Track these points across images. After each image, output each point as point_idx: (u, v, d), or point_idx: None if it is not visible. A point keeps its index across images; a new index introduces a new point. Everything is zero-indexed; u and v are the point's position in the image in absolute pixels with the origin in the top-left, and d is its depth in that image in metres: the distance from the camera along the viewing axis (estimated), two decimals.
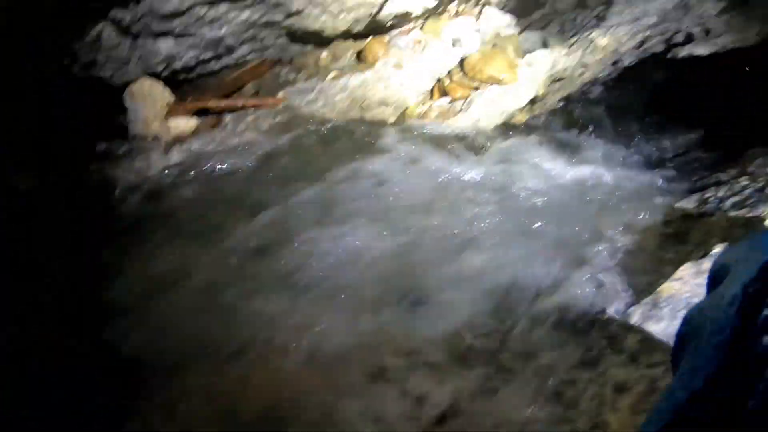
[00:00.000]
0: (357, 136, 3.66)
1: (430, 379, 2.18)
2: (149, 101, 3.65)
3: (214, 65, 3.97)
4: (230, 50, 3.86)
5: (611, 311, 2.47)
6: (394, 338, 2.36)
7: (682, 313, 2.18)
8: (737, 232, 2.80)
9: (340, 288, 2.56)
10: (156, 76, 3.75)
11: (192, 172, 3.32)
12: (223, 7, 3.45)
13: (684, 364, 0.49)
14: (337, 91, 3.82)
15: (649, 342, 2.24)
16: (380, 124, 3.85)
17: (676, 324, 2.27)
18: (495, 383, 2.15)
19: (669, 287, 2.46)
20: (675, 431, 0.43)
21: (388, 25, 4.08)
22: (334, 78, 3.92)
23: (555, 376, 2.14)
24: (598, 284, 2.68)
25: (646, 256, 2.96)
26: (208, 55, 3.81)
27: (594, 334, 2.35)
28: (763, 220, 2.80)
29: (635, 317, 2.37)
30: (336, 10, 3.78)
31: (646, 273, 2.71)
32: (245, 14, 3.57)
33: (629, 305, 2.47)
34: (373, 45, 4.02)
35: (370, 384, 2.17)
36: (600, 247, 2.90)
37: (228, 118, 3.78)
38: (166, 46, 3.58)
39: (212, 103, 3.77)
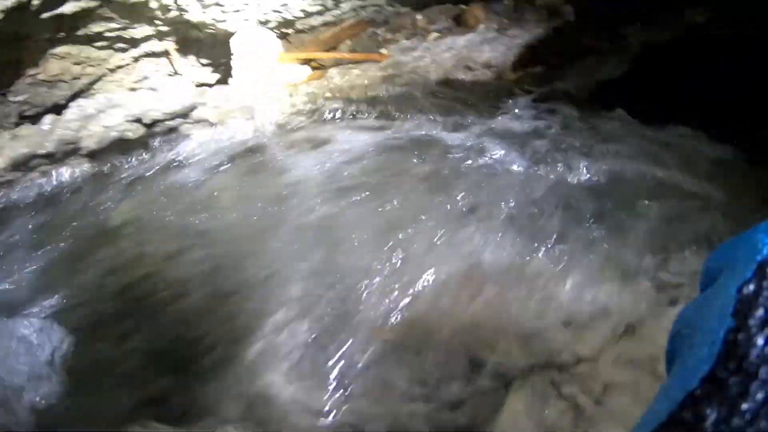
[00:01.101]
0: (461, 93, 3.64)
1: None
2: (260, 49, 3.59)
3: (316, 20, 3.93)
4: (336, 4, 3.83)
5: None
6: None
7: None
8: None
9: None
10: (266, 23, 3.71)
11: (314, 115, 3.27)
12: None
13: (678, 364, 0.49)
14: (444, 50, 3.80)
15: None
16: (483, 85, 3.85)
17: None
18: None
19: None
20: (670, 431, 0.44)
21: None
22: (437, 38, 3.91)
23: None
24: None
25: None
26: (316, 7, 3.77)
27: None
28: None
29: None
30: None
31: None
32: None
33: None
34: (475, 9, 4.04)
35: None
36: None
37: (332, 70, 3.74)
38: None
39: (320, 54, 3.73)
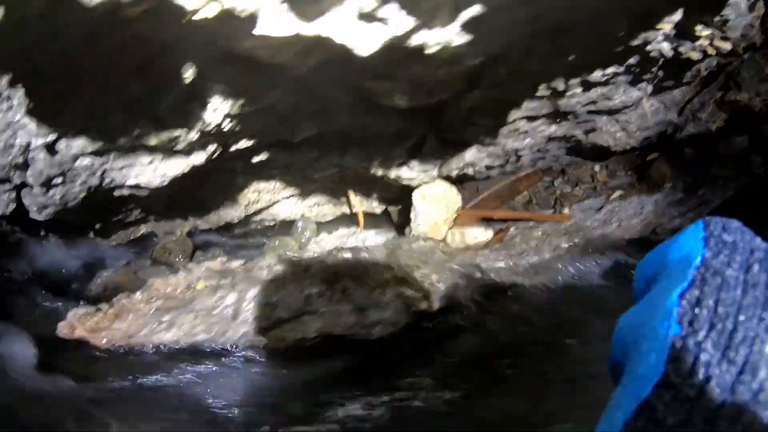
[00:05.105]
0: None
1: None
2: (442, 205, 3.58)
3: (495, 171, 3.90)
4: (518, 159, 3.78)
5: None
6: None
7: None
8: None
9: None
10: (446, 177, 3.72)
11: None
12: (538, 122, 3.37)
13: (628, 372, 0.49)
14: (631, 214, 3.63)
15: None
16: None
17: None
18: None
19: None
20: None
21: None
22: (621, 197, 3.75)
23: None
24: None
25: None
26: (498, 162, 3.73)
27: None
28: None
29: None
30: (634, 128, 3.64)
31: None
32: (552, 129, 3.48)
33: None
34: (661, 164, 3.84)
35: None
36: None
37: (513, 230, 3.65)
38: (470, 154, 3.53)
39: (501, 213, 3.66)
